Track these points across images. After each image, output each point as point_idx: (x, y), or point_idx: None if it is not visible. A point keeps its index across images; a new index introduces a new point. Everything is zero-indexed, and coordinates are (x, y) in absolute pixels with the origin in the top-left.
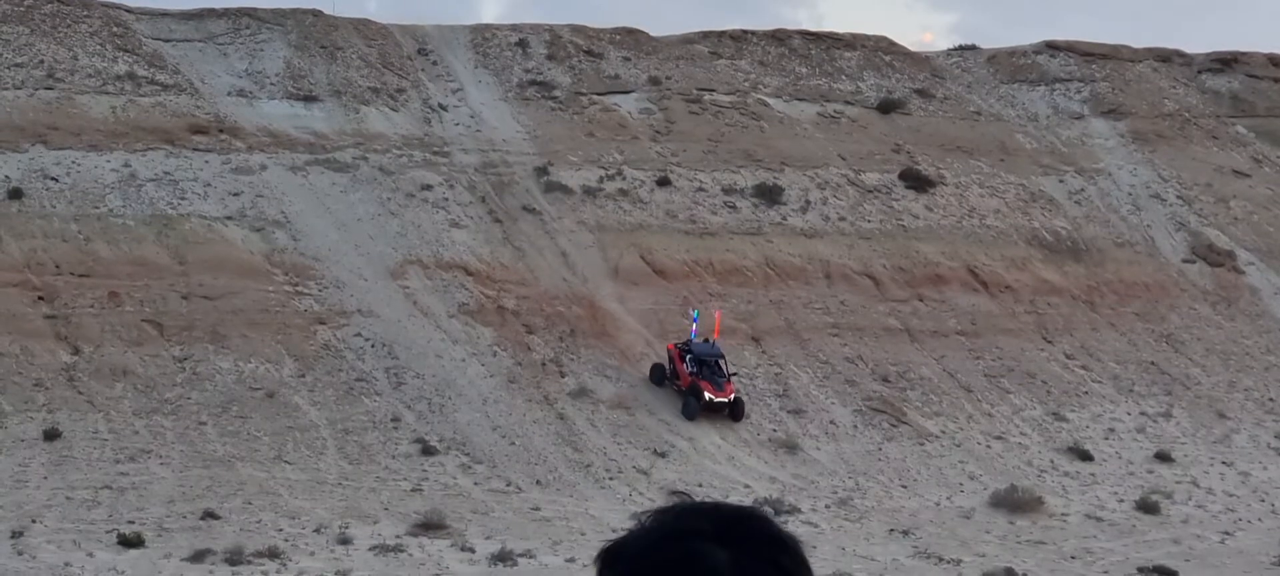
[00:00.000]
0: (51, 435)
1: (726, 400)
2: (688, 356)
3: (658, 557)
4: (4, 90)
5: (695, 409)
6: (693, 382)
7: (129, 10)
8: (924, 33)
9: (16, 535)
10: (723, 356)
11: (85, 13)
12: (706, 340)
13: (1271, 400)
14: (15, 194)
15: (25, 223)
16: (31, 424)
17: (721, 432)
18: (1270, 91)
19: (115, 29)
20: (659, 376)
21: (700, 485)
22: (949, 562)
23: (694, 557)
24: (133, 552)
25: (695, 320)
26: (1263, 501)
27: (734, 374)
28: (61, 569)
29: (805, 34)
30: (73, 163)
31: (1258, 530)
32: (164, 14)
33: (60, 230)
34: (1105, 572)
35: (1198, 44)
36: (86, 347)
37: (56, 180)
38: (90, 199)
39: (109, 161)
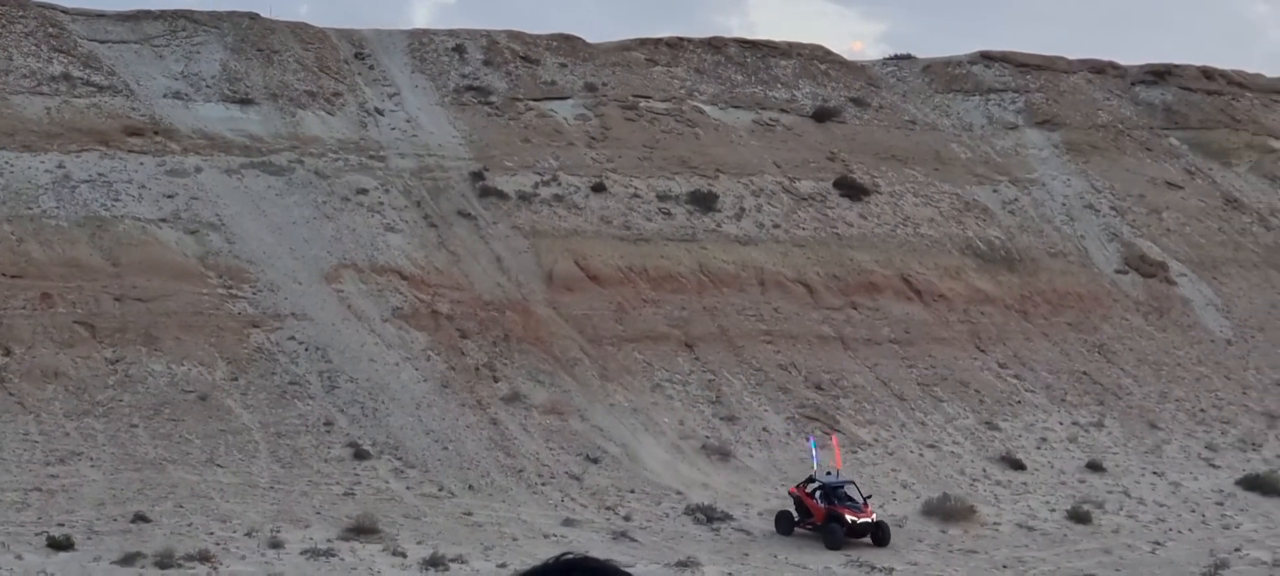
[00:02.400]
0: None
1: (870, 520)
2: (816, 491)
3: None
4: None
5: (840, 535)
6: (830, 510)
7: (65, 11)
8: (853, 41)
9: None
10: (852, 482)
11: (20, 12)
12: (828, 472)
13: (1202, 411)
14: None
15: None
16: None
17: (655, 438)
18: (1203, 104)
19: (51, 29)
20: (787, 525)
21: (632, 491)
22: (882, 571)
23: None
24: (62, 555)
25: (813, 448)
26: (1193, 511)
27: (869, 497)
28: None
29: (741, 42)
30: (6, 163)
31: (1188, 540)
32: (100, 15)
33: None
34: None
35: (1132, 56)
36: (17, 349)
37: None
38: (23, 199)
39: (43, 162)
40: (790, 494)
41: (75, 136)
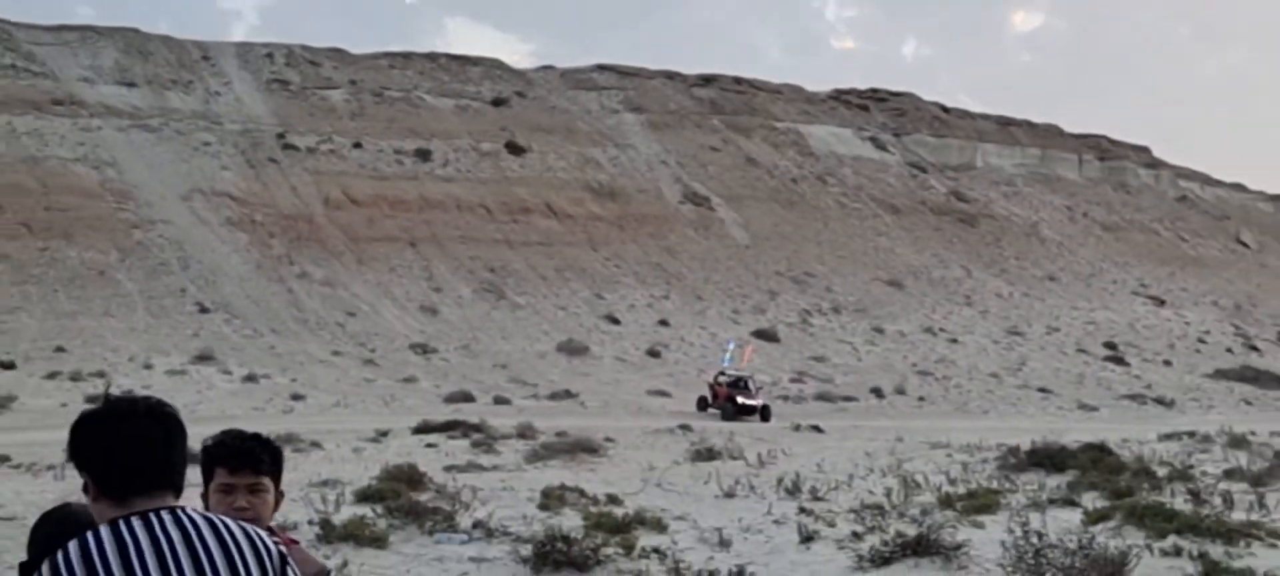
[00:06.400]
0: None
1: (755, 403)
2: (723, 379)
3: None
4: None
5: (732, 410)
6: (729, 394)
7: (13, 23)
8: None
9: None
10: (751, 377)
11: None
12: (737, 369)
13: (732, 289)
14: None
15: None
16: None
17: None
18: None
19: (1, 35)
20: (703, 405)
21: None
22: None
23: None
24: (7, 374)
25: (730, 347)
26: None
27: (761, 387)
28: None
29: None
30: None
31: None
32: (34, 26)
33: None
34: None
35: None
36: None
37: None
38: None
39: None
40: (707, 384)
41: (18, 105)
